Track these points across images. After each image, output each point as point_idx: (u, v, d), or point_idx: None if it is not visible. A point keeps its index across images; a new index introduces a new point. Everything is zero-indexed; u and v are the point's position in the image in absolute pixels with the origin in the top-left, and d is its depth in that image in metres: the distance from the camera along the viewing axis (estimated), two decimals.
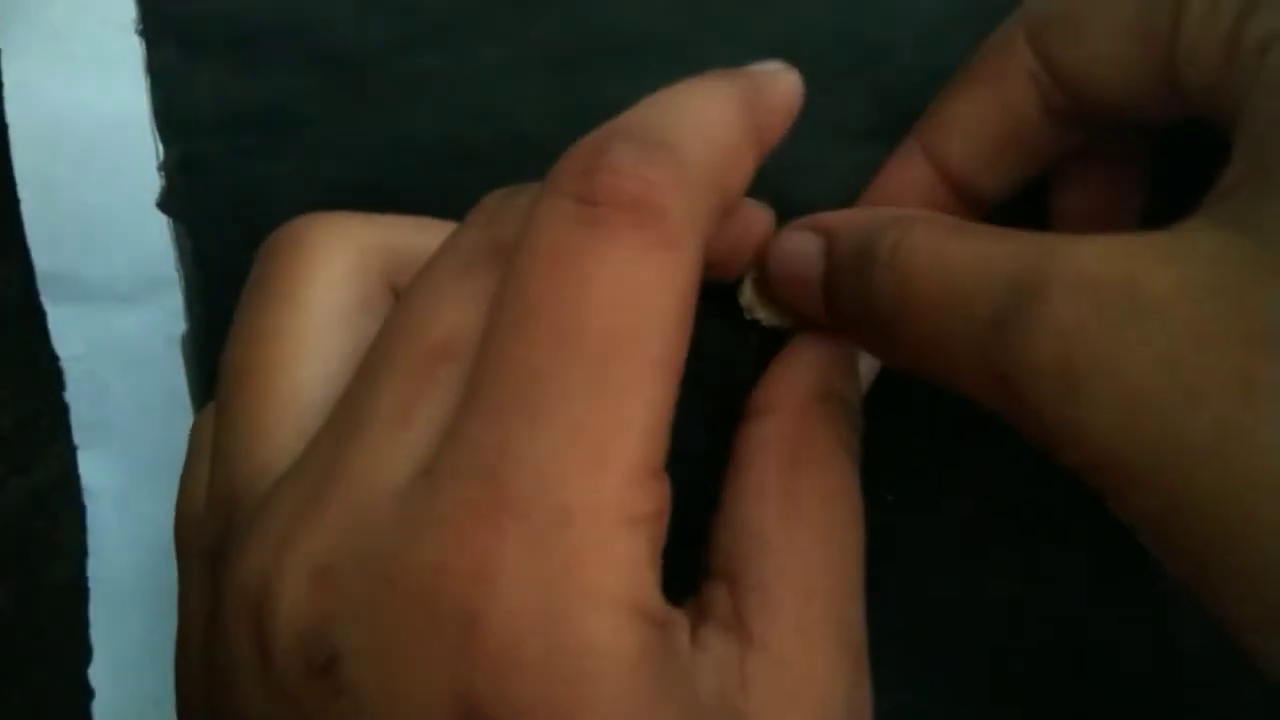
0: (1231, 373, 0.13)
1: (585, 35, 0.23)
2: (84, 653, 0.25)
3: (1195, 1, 0.16)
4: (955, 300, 0.16)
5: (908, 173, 0.21)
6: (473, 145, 0.23)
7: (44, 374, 0.24)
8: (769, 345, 0.23)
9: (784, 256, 0.21)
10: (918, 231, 0.17)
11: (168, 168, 0.23)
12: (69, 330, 0.24)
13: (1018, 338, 0.15)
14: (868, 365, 0.22)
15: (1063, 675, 0.24)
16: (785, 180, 0.23)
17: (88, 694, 0.25)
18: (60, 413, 0.24)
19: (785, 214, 0.23)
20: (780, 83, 0.18)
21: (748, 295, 0.23)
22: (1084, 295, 0.14)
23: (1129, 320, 0.14)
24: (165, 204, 0.23)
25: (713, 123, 0.17)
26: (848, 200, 0.23)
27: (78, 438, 0.24)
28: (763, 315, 0.23)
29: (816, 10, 0.22)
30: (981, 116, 0.20)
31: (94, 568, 0.25)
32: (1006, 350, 0.15)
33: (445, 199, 0.23)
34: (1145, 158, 0.21)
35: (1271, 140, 0.14)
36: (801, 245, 0.20)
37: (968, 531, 0.24)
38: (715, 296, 0.23)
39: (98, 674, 0.25)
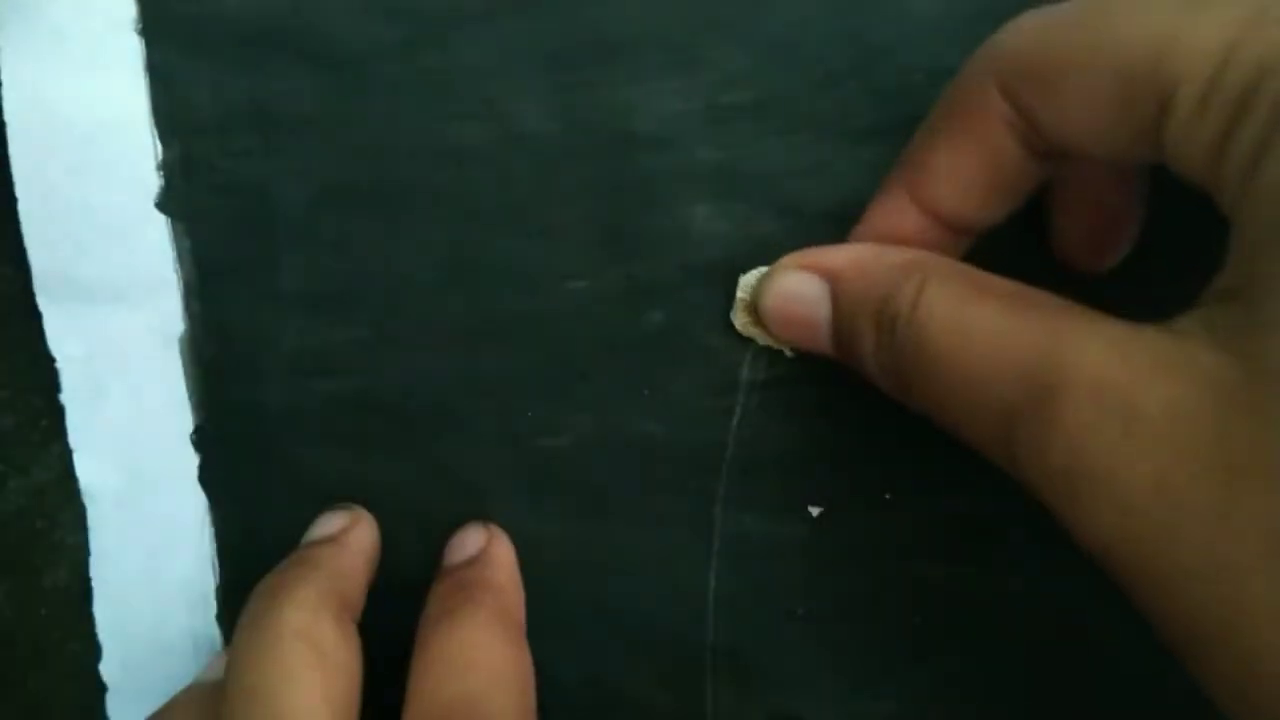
0: (1213, 500, 0.14)
1: (585, 36, 0.23)
2: (85, 652, 0.25)
3: (1182, 101, 0.15)
4: (972, 383, 0.17)
5: (896, 216, 0.20)
6: (471, 146, 0.23)
7: (44, 374, 0.24)
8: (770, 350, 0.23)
9: (782, 299, 0.21)
10: (931, 291, 0.18)
11: (166, 167, 0.23)
12: (66, 331, 0.24)
13: (1027, 436, 0.16)
14: None
15: (1063, 674, 0.24)
16: (785, 180, 0.23)
17: (91, 692, 0.25)
18: (60, 413, 0.24)
19: (785, 213, 0.23)
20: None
21: (740, 319, 0.23)
22: (1090, 404, 0.15)
23: (1128, 435, 0.15)
24: (164, 203, 0.23)
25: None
26: (847, 200, 0.23)
27: (74, 439, 0.24)
28: (757, 334, 0.23)
29: (815, 10, 0.22)
30: (964, 163, 0.19)
31: (96, 567, 0.25)
32: (1017, 445, 0.16)
33: (443, 200, 0.23)
34: (1145, 171, 0.21)
35: (1263, 255, 0.14)
36: (801, 288, 0.21)
37: (967, 531, 0.24)
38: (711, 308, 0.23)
39: (110, 670, 0.25)
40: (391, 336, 0.24)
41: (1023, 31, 0.18)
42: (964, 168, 0.19)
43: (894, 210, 0.20)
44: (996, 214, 0.20)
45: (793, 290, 0.21)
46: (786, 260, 0.21)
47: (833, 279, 0.20)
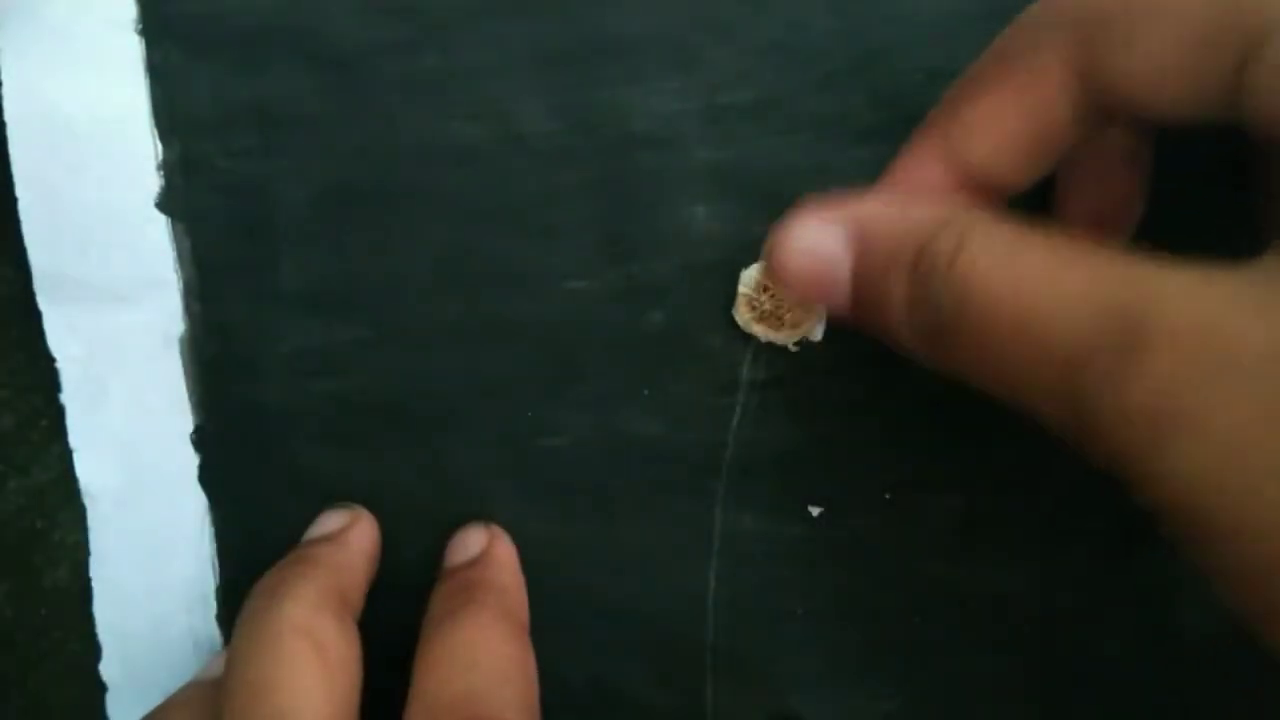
0: None
1: (584, 36, 0.23)
2: (84, 652, 0.25)
3: (1273, 44, 0.15)
4: (1029, 330, 0.15)
5: (922, 169, 0.20)
6: (470, 146, 0.23)
7: (44, 374, 0.24)
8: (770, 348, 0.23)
9: (799, 252, 0.19)
10: (975, 240, 0.16)
11: (166, 167, 0.23)
12: (66, 331, 0.24)
13: (1107, 384, 0.14)
14: None
15: (1063, 674, 0.24)
16: (784, 181, 0.23)
17: (91, 692, 0.25)
18: (60, 413, 0.24)
19: (783, 213, 0.23)
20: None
21: (743, 315, 0.23)
22: (1183, 344, 0.14)
23: (1224, 376, 0.14)
24: (164, 203, 0.23)
25: None
26: None
27: (74, 440, 0.24)
28: (759, 331, 0.23)
29: (815, 10, 0.22)
30: (1009, 115, 0.19)
31: (96, 567, 0.25)
32: (1090, 393, 0.15)
33: (443, 200, 0.23)
34: (1150, 147, 0.21)
35: None
36: (821, 239, 0.19)
37: (967, 530, 0.24)
38: (710, 304, 0.23)
39: (110, 669, 0.25)
40: (392, 337, 0.24)
41: None
42: (1007, 120, 0.19)
43: (923, 163, 0.20)
44: (1027, 176, 0.19)
45: (810, 243, 0.19)
46: (802, 209, 0.19)
47: (857, 228, 0.18)
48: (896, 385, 0.23)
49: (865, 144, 0.22)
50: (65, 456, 0.24)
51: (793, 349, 0.23)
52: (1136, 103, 0.17)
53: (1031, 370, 0.16)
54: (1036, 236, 0.16)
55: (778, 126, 0.23)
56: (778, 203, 0.22)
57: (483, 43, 0.23)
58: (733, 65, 0.22)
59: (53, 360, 0.24)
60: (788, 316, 0.22)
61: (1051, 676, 0.24)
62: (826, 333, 0.23)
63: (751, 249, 0.22)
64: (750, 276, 0.22)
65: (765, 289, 0.22)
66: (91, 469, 0.24)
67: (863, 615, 0.24)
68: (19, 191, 0.23)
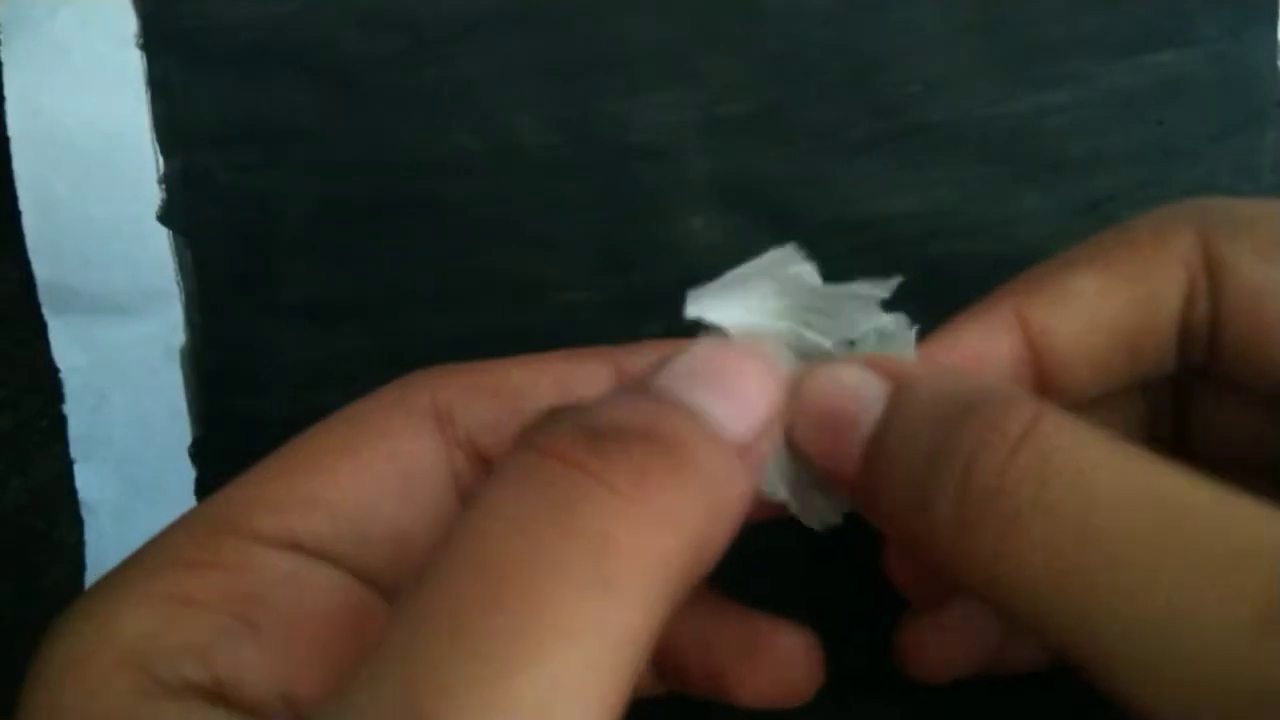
0: None
1: (582, 49, 0.23)
2: None
3: None
4: (1185, 558, 0.12)
5: (992, 337, 0.17)
6: (470, 158, 0.23)
7: (44, 374, 0.24)
8: None
9: (830, 386, 0.16)
10: (1063, 427, 0.13)
11: (168, 181, 0.23)
12: (69, 342, 0.24)
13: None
14: None
15: (1062, 675, 0.24)
16: (782, 192, 0.23)
17: None
18: (60, 413, 0.24)
19: (782, 224, 0.23)
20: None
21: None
22: None
23: None
24: (165, 217, 0.23)
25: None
26: (845, 210, 0.23)
27: (74, 450, 0.24)
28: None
29: (813, 24, 0.22)
30: (1110, 298, 0.16)
31: (93, 580, 0.25)
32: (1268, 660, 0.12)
33: (441, 211, 0.23)
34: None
35: None
36: (857, 381, 0.16)
37: None
38: None
39: None
40: (391, 348, 0.24)
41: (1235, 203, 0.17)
42: (1107, 300, 0.16)
43: (992, 328, 0.17)
44: (1102, 382, 0.17)
45: (845, 382, 0.16)
46: (837, 359, 0.17)
47: (898, 382, 0.15)
48: None
49: (862, 155, 0.22)
50: (65, 456, 0.24)
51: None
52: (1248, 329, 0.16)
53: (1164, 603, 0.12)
54: (1152, 455, 0.13)
55: (776, 138, 0.23)
56: (775, 214, 0.22)
57: (481, 55, 0.23)
58: (731, 77, 0.23)
59: (53, 362, 0.24)
60: None
61: (1050, 680, 0.24)
62: None
63: (750, 259, 0.22)
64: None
65: None
66: (92, 481, 0.24)
67: (863, 617, 0.24)
68: (23, 205, 0.23)
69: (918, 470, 0.14)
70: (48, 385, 0.24)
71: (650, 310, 0.23)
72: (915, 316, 0.22)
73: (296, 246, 0.24)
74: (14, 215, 0.23)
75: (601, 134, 0.23)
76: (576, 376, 0.17)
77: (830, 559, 0.24)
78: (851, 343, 0.17)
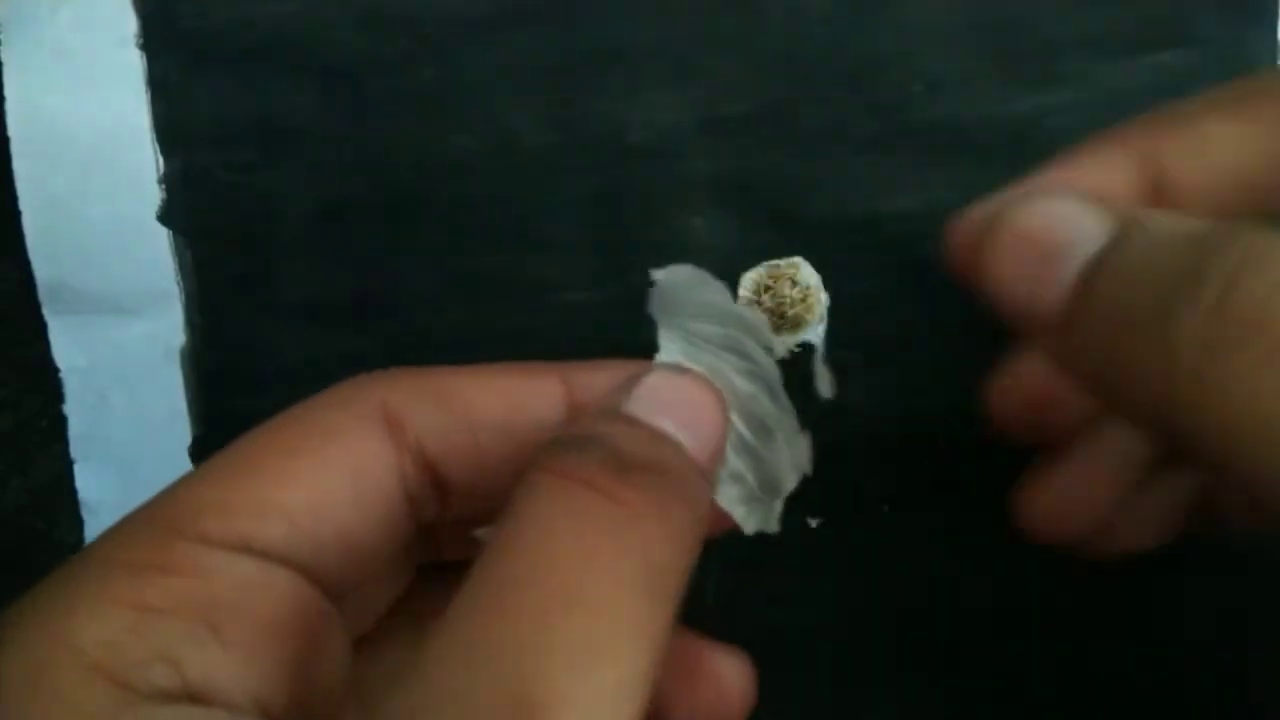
0: None
1: (582, 49, 0.23)
2: None
3: None
4: None
5: (1114, 171, 0.17)
6: (469, 158, 0.23)
7: (44, 374, 0.24)
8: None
9: (1049, 217, 0.15)
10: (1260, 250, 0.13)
11: (168, 181, 0.23)
12: (69, 342, 0.24)
13: None
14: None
15: (1063, 677, 0.24)
16: (782, 191, 0.23)
17: None
18: (60, 413, 0.24)
19: (783, 224, 0.23)
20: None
21: None
22: None
23: None
24: (165, 217, 0.23)
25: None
26: (846, 210, 0.23)
27: (75, 450, 0.24)
28: None
29: (813, 23, 0.22)
30: (1246, 148, 0.16)
31: None
32: None
33: (442, 212, 0.23)
34: None
35: None
36: (1078, 212, 0.15)
37: (964, 543, 0.24)
38: None
39: None
40: (391, 348, 0.24)
41: None
42: (1245, 148, 0.16)
43: (1115, 163, 0.17)
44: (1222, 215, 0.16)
45: (1066, 212, 0.15)
46: (1040, 185, 0.17)
47: (1127, 214, 0.15)
48: (897, 398, 0.23)
49: (863, 154, 0.22)
50: (65, 456, 0.24)
51: (795, 350, 0.23)
52: None
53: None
54: None
55: (776, 137, 0.23)
56: (776, 213, 0.22)
57: (481, 55, 0.23)
58: (731, 76, 0.23)
59: (53, 361, 0.24)
60: (790, 314, 0.22)
61: (1049, 683, 0.24)
62: (826, 344, 0.23)
63: (750, 259, 0.22)
64: (751, 280, 0.22)
65: (767, 289, 0.22)
66: (91, 482, 0.24)
67: (860, 624, 0.24)
68: (23, 205, 0.23)
69: (1163, 287, 0.13)
70: (48, 385, 0.24)
71: None
72: (916, 317, 0.22)
73: (296, 246, 0.24)
74: (14, 215, 0.23)
75: (601, 134, 0.23)
76: (527, 391, 0.18)
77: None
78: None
